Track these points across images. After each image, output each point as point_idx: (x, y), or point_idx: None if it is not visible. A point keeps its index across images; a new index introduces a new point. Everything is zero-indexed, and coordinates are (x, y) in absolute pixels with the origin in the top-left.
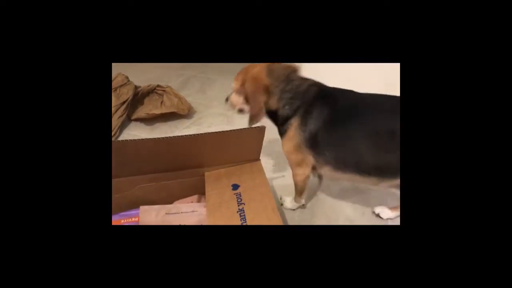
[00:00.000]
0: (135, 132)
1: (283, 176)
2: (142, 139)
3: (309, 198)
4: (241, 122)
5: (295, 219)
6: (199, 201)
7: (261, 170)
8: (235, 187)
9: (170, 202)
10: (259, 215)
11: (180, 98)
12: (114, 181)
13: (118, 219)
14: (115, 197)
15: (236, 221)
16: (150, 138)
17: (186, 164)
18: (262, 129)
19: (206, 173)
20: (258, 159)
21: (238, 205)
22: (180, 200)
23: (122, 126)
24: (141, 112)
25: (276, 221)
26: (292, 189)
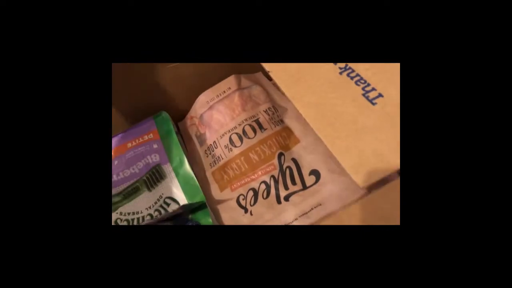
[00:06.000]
0: None
1: None
2: None
3: None
4: None
5: None
6: (239, 86)
7: None
8: None
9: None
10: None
11: None
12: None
13: (122, 143)
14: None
15: (348, 89)
16: None
17: None
18: None
19: None
20: None
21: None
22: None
23: None
24: None
25: None
26: None
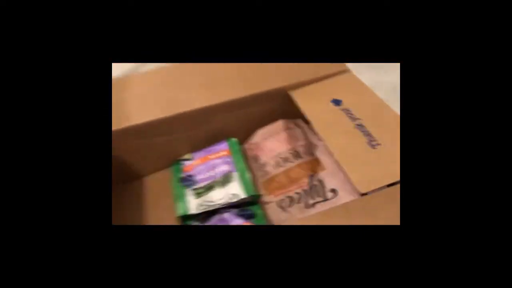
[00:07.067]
0: None
1: None
2: None
3: None
4: None
5: None
6: (286, 127)
7: (361, 84)
8: (337, 102)
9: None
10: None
11: None
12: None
13: (205, 155)
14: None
15: (359, 138)
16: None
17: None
18: None
19: (292, 92)
20: (348, 70)
21: (353, 120)
22: (264, 129)
23: None
24: None
25: None
26: None
